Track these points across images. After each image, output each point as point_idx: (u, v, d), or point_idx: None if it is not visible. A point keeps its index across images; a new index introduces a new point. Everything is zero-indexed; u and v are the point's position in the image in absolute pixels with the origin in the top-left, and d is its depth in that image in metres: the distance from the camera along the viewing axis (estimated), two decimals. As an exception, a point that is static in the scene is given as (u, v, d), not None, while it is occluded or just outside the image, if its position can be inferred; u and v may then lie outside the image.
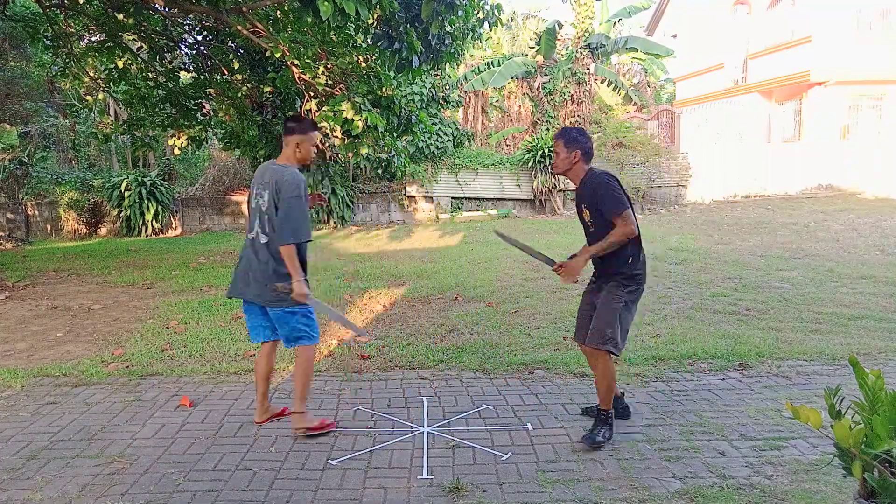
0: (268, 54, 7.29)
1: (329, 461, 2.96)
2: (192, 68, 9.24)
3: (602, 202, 3.07)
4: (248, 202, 3.28)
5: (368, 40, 6.68)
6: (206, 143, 10.27)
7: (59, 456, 3.04)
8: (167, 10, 7.24)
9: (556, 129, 16.51)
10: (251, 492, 2.68)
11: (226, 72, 8.39)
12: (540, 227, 13.08)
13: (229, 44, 8.49)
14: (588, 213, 3.18)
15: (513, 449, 3.06)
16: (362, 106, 6.89)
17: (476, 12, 6.29)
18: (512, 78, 17.94)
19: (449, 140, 16.19)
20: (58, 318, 6.07)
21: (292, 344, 3.22)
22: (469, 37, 6.76)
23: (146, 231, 14.39)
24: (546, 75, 17.09)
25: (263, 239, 3.14)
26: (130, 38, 8.47)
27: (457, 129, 16.78)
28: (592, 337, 3.09)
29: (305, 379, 3.21)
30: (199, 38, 8.78)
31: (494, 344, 4.85)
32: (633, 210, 3.11)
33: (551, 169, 3.45)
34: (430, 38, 6.14)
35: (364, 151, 7.76)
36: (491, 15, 6.45)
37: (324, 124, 7.13)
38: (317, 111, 7.21)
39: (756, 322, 5.38)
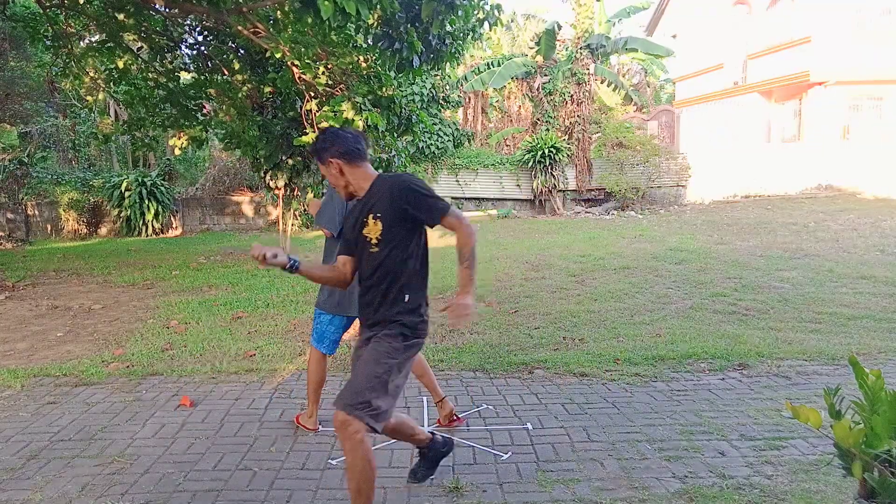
0: (268, 54, 7.28)
1: (329, 461, 2.96)
2: (192, 68, 9.23)
3: (418, 205, 2.24)
4: None
5: (369, 40, 6.67)
6: (207, 143, 10.27)
7: (59, 456, 3.04)
8: (167, 10, 7.23)
9: (557, 129, 16.67)
10: (251, 492, 2.68)
11: (226, 72, 8.38)
12: (540, 227, 13.08)
13: (230, 44, 8.49)
14: (379, 224, 2.27)
15: (513, 449, 3.07)
16: (362, 106, 6.88)
17: (476, 12, 6.29)
18: (512, 78, 17.94)
19: (449, 140, 16.19)
20: (58, 318, 6.07)
21: None
22: (469, 37, 6.76)
23: (146, 231, 14.38)
24: (546, 76, 17.10)
25: None
26: (131, 38, 8.46)
27: (457, 129, 16.79)
28: (345, 396, 2.16)
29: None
30: (200, 38, 8.78)
31: (494, 344, 4.85)
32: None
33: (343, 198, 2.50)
34: (430, 38, 6.14)
35: (364, 151, 7.74)
36: (491, 15, 6.45)
37: (324, 124, 7.13)
38: (317, 111, 7.21)
39: (756, 322, 5.38)
